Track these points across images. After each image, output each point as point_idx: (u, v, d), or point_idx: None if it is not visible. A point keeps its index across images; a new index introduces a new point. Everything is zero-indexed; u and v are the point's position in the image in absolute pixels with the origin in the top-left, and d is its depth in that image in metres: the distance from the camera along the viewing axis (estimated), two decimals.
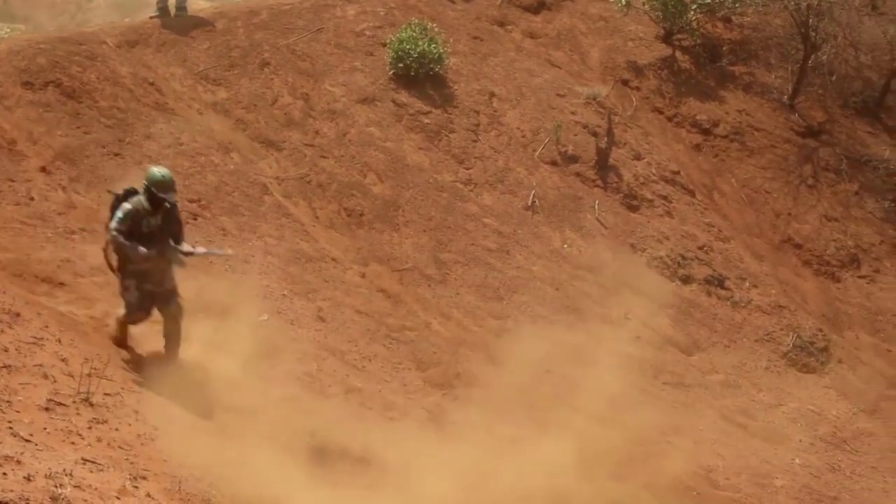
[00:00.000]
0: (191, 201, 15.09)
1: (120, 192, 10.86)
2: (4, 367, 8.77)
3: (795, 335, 18.01)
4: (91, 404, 8.95)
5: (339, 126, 17.94)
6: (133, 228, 10.62)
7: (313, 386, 12.37)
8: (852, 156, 21.91)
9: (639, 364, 16.08)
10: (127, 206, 10.64)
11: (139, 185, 10.85)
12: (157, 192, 10.64)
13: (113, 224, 10.61)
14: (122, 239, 10.57)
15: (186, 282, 11.65)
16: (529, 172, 18.74)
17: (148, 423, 9.47)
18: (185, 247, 11.03)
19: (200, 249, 11.31)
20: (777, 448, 15.57)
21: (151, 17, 18.63)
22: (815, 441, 16.08)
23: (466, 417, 13.10)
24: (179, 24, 18.43)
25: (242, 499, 9.26)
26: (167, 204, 10.75)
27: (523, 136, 19.30)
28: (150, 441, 9.15)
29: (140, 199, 10.69)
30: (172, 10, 18.61)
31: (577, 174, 19.17)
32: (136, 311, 11.04)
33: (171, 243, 10.91)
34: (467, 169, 18.30)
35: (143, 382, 10.54)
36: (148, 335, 11.52)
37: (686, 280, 18.34)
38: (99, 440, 8.41)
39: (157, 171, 10.77)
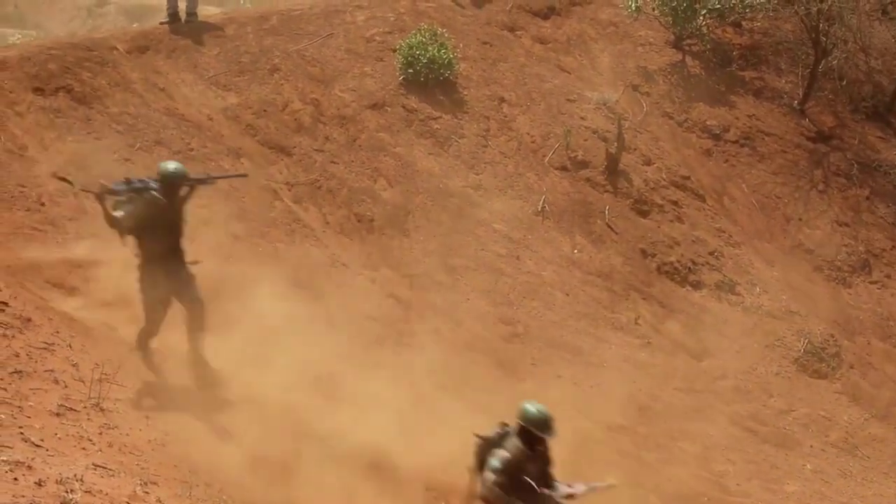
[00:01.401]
0: (200, 207, 15.12)
1: (490, 434, 9.57)
2: (16, 372, 8.79)
3: (806, 340, 17.97)
4: (102, 409, 8.97)
5: (349, 131, 17.95)
6: (512, 479, 9.25)
7: (324, 391, 12.36)
8: (863, 161, 21.88)
9: (649, 369, 16.06)
10: (504, 453, 9.30)
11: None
12: (538, 432, 9.36)
13: (490, 477, 9.21)
14: (502, 494, 9.15)
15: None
16: (539, 178, 18.73)
17: (158, 429, 9.48)
18: (564, 488, 9.60)
19: (580, 487, 9.78)
20: (788, 453, 15.55)
21: (161, 23, 18.64)
22: (827, 447, 16.05)
23: (477, 423, 13.08)
24: (190, 29, 18.45)
25: None
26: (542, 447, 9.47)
27: (533, 142, 19.29)
28: (161, 446, 9.16)
29: (515, 442, 9.38)
30: (183, 16, 18.62)
31: (588, 179, 19.16)
32: None
33: (548, 490, 9.49)
34: (477, 174, 18.29)
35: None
36: None
37: (696, 285, 18.31)
38: (110, 445, 8.42)
39: (534, 408, 9.39)
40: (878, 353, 18.70)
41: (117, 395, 9.52)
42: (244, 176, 10.88)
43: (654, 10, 22.53)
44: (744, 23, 23.71)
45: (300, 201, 16.48)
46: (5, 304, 10.19)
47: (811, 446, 15.91)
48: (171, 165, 10.99)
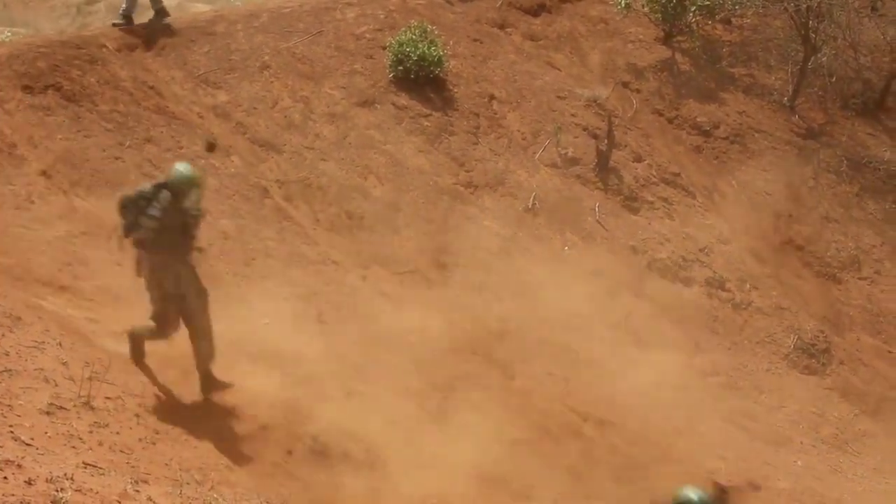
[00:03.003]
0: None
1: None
2: (5, 371, 8.77)
3: (797, 337, 18.00)
4: (92, 408, 8.96)
5: (340, 129, 17.93)
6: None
7: (314, 389, 12.36)
8: (853, 157, 21.90)
9: (639, 366, 16.07)
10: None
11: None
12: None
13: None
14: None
15: None
16: (530, 175, 18.73)
17: (149, 427, 9.47)
18: None
19: None
20: (779, 450, 15.56)
21: (114, 24, 17.99)
22: (817, 443, 16.07)
23: (468, 420, 13.10)
24: (162, 29, 18.00)
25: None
26: None
27: (523, 139, 19.29)
28: (152, 445, 9.15)
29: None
30: (119, 16, 17.89)
31: (578, 176, 19.16)
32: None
33: None
34: (468, 171, 18.29)
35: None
36: None
37: (687, 282, 18.33)
38: (100, 444, 8.41)
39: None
40: (868, 350, 18.73)
41: (107, 393, 9.50)
42: None
43: (643, 6, 22.54)
44: (733, 19, 23.73)
45: (290, 199, 16.47)
46: None
47: (802, 442, 15.93)
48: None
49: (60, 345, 10.17)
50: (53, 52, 16.45)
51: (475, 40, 20.97)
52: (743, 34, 23.63)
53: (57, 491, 6.63)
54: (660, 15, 22.49)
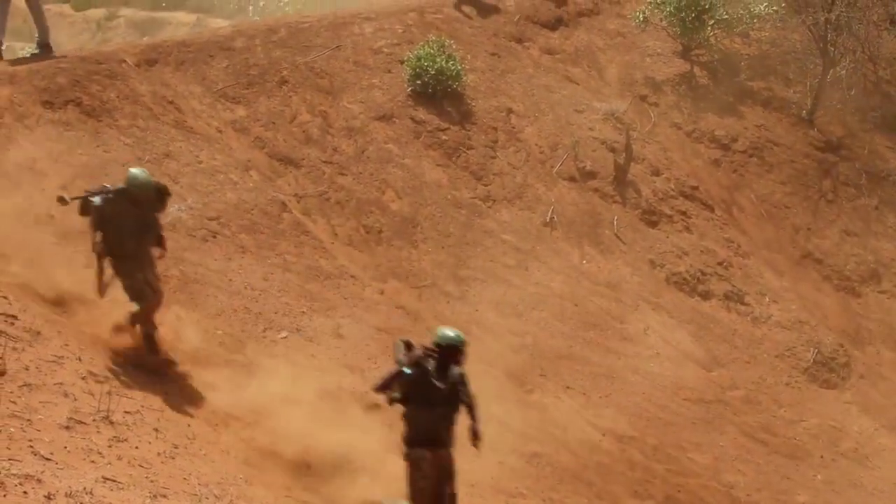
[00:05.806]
0: (209, 219, 15.13)
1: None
2: (25, 385, 8.80)
3: (816, 350, 17.94)
4: (111, 422, 8.98)
5: (358, 143, 17.97)
6: None
7: (333, 403, 12.37)
8: (871, 170, 21.84)
9: (658, 380, 16.04)
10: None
11: None
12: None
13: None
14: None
15: None
16: (548, 188, 18.73)
17: (168, 441, 9.49)
18: None
19: None
20: (798, 464, 15.51)
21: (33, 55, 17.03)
22: (837, 457, 16.01)
23: (486, 434, 13.08)
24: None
25: None
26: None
27: (541, 153, 19.30)
28: (171, 459, 9.16)
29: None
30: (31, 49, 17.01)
31: (596, 190, 19.16)
32: None
33: None
34: (485, 185, 18.30)
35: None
36: None
37: (705, 296, 18.29)
38: (119, 458, 8.43)
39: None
40: (887, 363, 18.66)
41: (126, 407, 9.53)
42: None
43: (661, 20, 22.53)
44: (751, 33, 23.68)
45: (309, 213, 16.50)
46: (14, 317, 10.21)
47: (821, 457, 15.88)
48: None
49: (80, 359, 10.20)
50: (73, 68, 16.53)
51: (493, 54, 20.99)
52: (761, 48, 23.58)
53: None
54: (678, 28, 22.47)
